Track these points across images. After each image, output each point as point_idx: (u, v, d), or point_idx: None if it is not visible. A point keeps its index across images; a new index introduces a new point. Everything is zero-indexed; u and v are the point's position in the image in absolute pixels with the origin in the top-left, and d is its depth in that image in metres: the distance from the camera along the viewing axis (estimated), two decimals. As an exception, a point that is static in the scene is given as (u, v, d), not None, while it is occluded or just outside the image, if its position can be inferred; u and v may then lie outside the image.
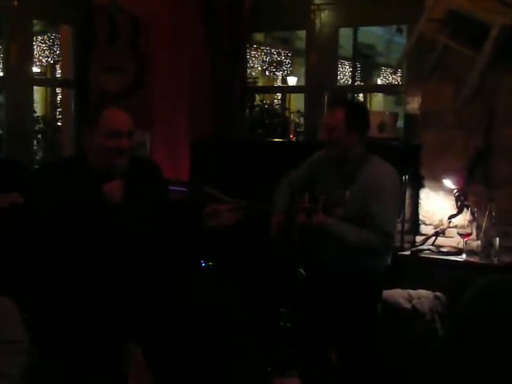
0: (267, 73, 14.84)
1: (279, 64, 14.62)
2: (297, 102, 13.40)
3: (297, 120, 10.50)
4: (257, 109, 9.53)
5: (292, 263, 4.01)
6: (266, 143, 6.10)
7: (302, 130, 7.63)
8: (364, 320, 3.84)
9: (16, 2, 5.31)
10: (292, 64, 15.17)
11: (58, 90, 13.37)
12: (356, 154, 3.82)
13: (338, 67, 6.25)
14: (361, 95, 11.80)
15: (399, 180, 3.94)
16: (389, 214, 3.73)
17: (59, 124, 10.89)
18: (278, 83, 14.71)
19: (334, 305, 3.79)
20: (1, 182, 4.43)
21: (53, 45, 13.32)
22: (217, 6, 5.79)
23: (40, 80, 10.80)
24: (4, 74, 5.66)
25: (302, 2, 5.76)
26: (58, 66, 13.77)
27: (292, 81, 14.62)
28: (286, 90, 12.42)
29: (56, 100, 13.60)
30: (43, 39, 13.15)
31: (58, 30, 11.86)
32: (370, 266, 3.82)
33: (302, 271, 3.94)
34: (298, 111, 10.66)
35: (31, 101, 5.91)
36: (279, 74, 14.90)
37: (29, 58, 5.73)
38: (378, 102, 17.00)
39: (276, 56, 14.81)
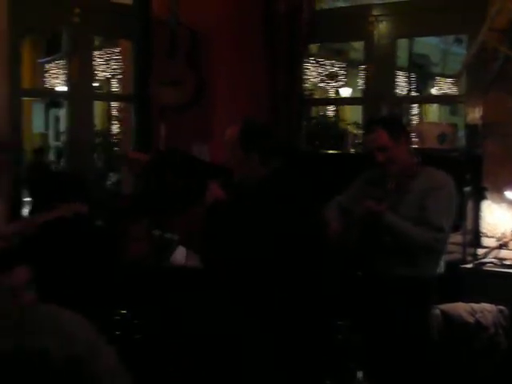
0: (320, 84, 14.83)
1: (334, 76, 14.60)
2: (350, 113, 13.38)
3: (354, 132, 10.47)
4: (314, 121, 9.52)
5: (349, 267, 3.99)
6: (324, 155, 6.09)
7: (360, 141, 7.59)
8: (416, 328, 3.81)
9: (77, 19, 5.41)
10: (346, 75, 15.14)
11: (114, 104, 13.61)
12: (409, 165, 3.83)
13: (396, 78, 6.21)
14: (415, 106, 11.70)
15: (455, 187, 3.91)
16: (443, 212, 3.73)
17: (116, 138, 11.07)
18: (332, 95, 14.69)
19: (385, 311, 3.78)
20: (64, 194, 4.52)
21: (109, 59, 13.56)
22: (275, 19, 5.82)
23: (100, 94, 10.95)
24: (67, 89, 5.78)
25: (360, 13, 5.75)
26: (113, 81, 14.02)
27: (345, 92, 14.58)
28: (344, 101, 12.37)
29: (111, 114, 13.83)
30: (99, 54, 13.39)
31: (114, 44, 12.14)
32: (421, 270, 3.79)
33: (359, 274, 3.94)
34: (355, 123, 10.63)
35: (92, 115, 6.00)
36: (332, 85, 14.89)
37: (89, 73, 5.85)
38: (432, 113, 16.83)
39: (329, 67, 14.80)
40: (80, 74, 5.61)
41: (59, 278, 3.80)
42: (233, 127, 3.56)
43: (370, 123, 4.19)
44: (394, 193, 3.84)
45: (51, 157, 15.95)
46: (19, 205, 5.20)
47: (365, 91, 5.99)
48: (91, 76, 6.06)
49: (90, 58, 6.04)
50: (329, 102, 12.17)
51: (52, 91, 13.72)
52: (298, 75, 5.95)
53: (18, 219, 4.64)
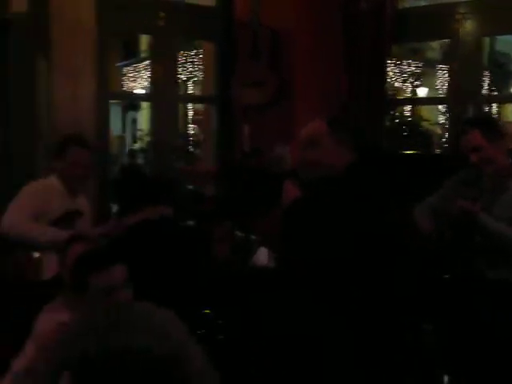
0: (396, 84, 14.66)
1: (414, 75, 14.42)
2: (426, 113, 13.17)
3: (439, 132, 10.31)
4: (396, 121, 9.42)
5: (435, 269, 3.92)
6: (407, 156, 6.00)
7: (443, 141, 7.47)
8: (503, 331, 3.70)
9: (162, 22, 5.48)
10: (423, 75, 14.92)
11: (190, 106, 13.75)
12: (504, 165, 3.75)
13: (482, 77, 6.09)
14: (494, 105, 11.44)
15: None
16: None
17: (194, 140, 11.17)
18: (408, 95, 14.50)
19: (472, 314, 3.69)
20: (151, 196, 4.57)
21: (185, 62, 13.70)
22: (358, 19, 5.77)
23: (183, 96, 11.06)
24: (151, 91, 5.86)
25: (445, 12, 5.65)
26: (189, 83, 14.17)
27: (422, 92, 14.38)
28: (427, 101, 12.19)
29: (188, 116, 13.97)
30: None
31: (193, 46, 12.27)
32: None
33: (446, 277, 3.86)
34: (437, 123, 10.47)
35: (176, 117, 6.07)
36: (409, 85, 14.70)
37: (173, 76, 5.91)
38: (510, 113, 16.43)
39: (406, 67, 14.62)
40: (164, 77, 5.67)
41: (145, 278, 3.84)
42: (316, 122, 3.50)
43: (463, 124, 4.10)
44: (488, 193, 3.76)
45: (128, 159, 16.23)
46: (106, 206, 5.29)
47: (449, 91, 5.86)
48: (175, 78, 6.13)
49: (175, 61, 6.10)
50: (413, 101, 12.01)
51: (136, 94, 13.98)
52: (380, 75, 5.88)
53: (105, 221, 4.71)
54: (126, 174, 5.84)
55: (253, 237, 4.85)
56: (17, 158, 4.96)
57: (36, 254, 3.85)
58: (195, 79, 14.19)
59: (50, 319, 3.25)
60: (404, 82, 14.62)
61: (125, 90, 15.19)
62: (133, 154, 12.63)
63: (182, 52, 13.35)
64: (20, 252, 3.85)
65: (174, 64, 5.96)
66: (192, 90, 14.65)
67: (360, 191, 3.27)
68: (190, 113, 13.92)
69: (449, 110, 5.88)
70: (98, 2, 5.00)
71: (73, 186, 4.04)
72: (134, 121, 18.72)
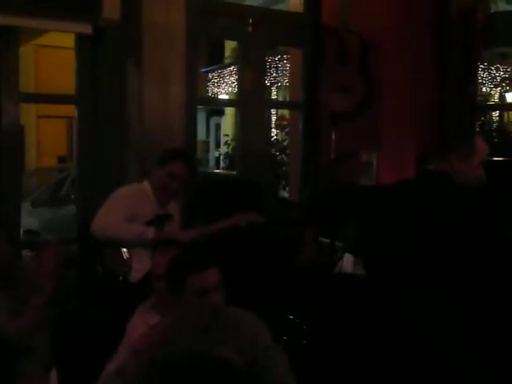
0: (484, 89, 14.34)
1: (503, 80, 14.09)
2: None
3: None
4: (487, 127, 9.19)
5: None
6: (497, 162, 5.84)
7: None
8: None
9: (250, 29, 5.52)
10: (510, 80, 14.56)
11: (273, 112, 13.78)
12: None
13: None
14: None
15: None
16: None
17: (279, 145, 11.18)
18: (496, 100, 14.18)
19: None
20: (240, 202, 4.59)
21: (269, 68, 13.74)
22: (447, 23, 5.67)
23: (270, 102, 11.17)
24: (238, 98, 5.90)
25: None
26: (272, 88, 14.20)
27: (511, 97, 14.05)
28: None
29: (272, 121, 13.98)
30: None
31: (276, 53, 12.31)
32: None
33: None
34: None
35: (263, 122, 6.10)
36: (497, 90, 14.36)
37: (260, 82, 5.93)
38: None
39: (494, 72, 14.29)
40: (251, 82, 5.71)
41: (232, 284, 3.87)
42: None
43: None
44: None
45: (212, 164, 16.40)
46: (193, 212, 5.34)
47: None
48: (262, 84, 6.15)
49: (262, 67, 6.12)
50: (502, 107, 11.76)
51: (223, 99, 14.12)
52: (471, 81, 5.76)
53: (192, 227, 4.76)
54: (217, 179, 5.88)
55: (339, 243, 4.83)
56: (108, 163, 5.06)
57: (126, 254, 3.93)
58: (278, 85, 14.22)
59: (142, 322, 3.31)
60: (494, 87, 14.30)
61: (210, 96, 15.34)
62: (219, 159, 12.75)
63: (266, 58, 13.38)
64: (110, 252, 3.94)
65: (261, 70, 5.98)
66: (275, 95, 14.69)
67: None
68: (274, 118, 13.94)
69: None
70: (189, 8, 5.06)
71: (166, 197, 4.14)
72: (218, 126, 18.91)
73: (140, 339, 2.95)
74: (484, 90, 14.27)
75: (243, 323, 2.86)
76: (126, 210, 3.93)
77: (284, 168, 10.32)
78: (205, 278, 2.69)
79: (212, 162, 16.81)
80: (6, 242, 3.54)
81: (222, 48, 16.19)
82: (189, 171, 4.12)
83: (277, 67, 13.80)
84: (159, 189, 4.10)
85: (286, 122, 11.21)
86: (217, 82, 15.96)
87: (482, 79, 13.95)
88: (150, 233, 3.90)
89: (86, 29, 4.84)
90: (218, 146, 18.63)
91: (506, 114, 13.58)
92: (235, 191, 4.92)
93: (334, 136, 5.77)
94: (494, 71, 14.29)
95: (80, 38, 5.01)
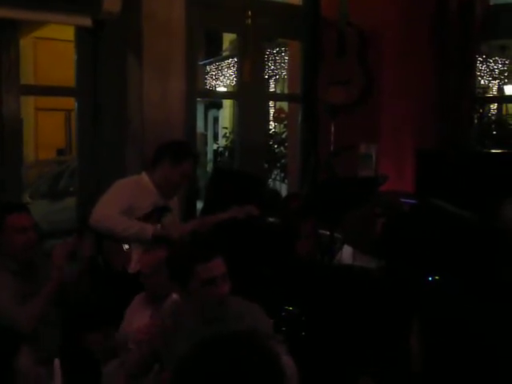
0: (483, 82, 14.34)
1: (501, 73, 14.08)
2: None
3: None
4: (485, 119, 9.20)
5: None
6: (496, 155, 5.88)
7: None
8: None
9: (250, 21, 5.51)
10: (508, 72, 14.55)
11: (271, 104, 13.79)
12: None
13: None
14: None
15: None
16: None
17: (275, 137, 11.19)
18: (495, 92, 14.17)
19: None
20: (239, 195, 4.61)
21: (267, 60, 13.73)
22: (446, 15, 5.69)
23: (269, 94, 11.19)
24: (237, 90, 5.90)
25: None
26: (271, 81, 14.19)
27: (509, 90, 14.05)
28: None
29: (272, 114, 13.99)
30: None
31: (274, 45, 12.30)
32: None
33: None
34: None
35: (263, 115, 6.10)
36: (496, 82, 14.35)
37: (259, 74, 5.94)
38: None
39: (493, 64, 14.28)
40: (249, 75, 5.70)
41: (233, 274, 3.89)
42: None
43: None
44: None
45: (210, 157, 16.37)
46: (193, 204, 5.36)
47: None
48: (261, 77, 6.15)
49: (261, 59, 6.12)
50: (501, 99, 11.76)
51: (222, 92, 14.09)
52: (469, 73, 5.78)
53: (192, 218, 4.77)
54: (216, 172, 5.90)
55: (338, 235, 4.83)
56: (107, 155, 5.07)
57: (126, 246, 3.95)
58: (277, 77, 14.22)
59: (138, 312, 3.34)
60: (492, 79, 14.29)
61: (208, 88, 15.31)
62: (217, 152, 12.74)
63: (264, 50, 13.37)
64: (109, 243, 3.95)
65: (260, 62, 5.98)
66: (273, 88, 14.69)
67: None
68: (273, 111, 13.95)
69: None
70: (188, 0, 5.06)
71: (172, 192, 4.16)
72: (216, 119, 18.89)
73: (140, 330, 2.97)
74: (482, 82, 14.27)
75: (246, 313, 2.87)
76: (125, 202, 3.94)
77: (283, 161, 10.33)
78: (213, 267, 2.71)
79: (210, 155, 16.79)
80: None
81: (219, 40, 16.16)
82: (195, 167, 4.16)
83: (275, 60, 13.79)
84: (167, 185, 4.12)
85: (284, 115, 11.22)
86: (215, 75, 15.95)
87: (480, 72, 13.94)
88: (150, 230, 3.92)
89: (86, 21, 4.83)
90: (215, 138, 18.63)
91: (504, 106, 13.59)
92: (234, 183, 4.92)
93: (332, 128, 5.78)
94: (493, 64, 14.27)
95: (80, 31, 5.00)
